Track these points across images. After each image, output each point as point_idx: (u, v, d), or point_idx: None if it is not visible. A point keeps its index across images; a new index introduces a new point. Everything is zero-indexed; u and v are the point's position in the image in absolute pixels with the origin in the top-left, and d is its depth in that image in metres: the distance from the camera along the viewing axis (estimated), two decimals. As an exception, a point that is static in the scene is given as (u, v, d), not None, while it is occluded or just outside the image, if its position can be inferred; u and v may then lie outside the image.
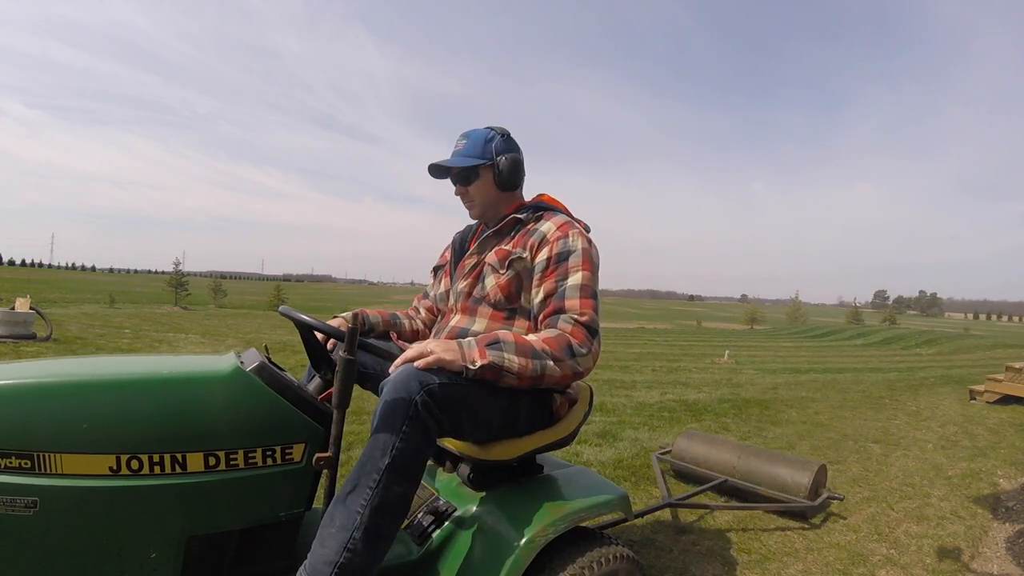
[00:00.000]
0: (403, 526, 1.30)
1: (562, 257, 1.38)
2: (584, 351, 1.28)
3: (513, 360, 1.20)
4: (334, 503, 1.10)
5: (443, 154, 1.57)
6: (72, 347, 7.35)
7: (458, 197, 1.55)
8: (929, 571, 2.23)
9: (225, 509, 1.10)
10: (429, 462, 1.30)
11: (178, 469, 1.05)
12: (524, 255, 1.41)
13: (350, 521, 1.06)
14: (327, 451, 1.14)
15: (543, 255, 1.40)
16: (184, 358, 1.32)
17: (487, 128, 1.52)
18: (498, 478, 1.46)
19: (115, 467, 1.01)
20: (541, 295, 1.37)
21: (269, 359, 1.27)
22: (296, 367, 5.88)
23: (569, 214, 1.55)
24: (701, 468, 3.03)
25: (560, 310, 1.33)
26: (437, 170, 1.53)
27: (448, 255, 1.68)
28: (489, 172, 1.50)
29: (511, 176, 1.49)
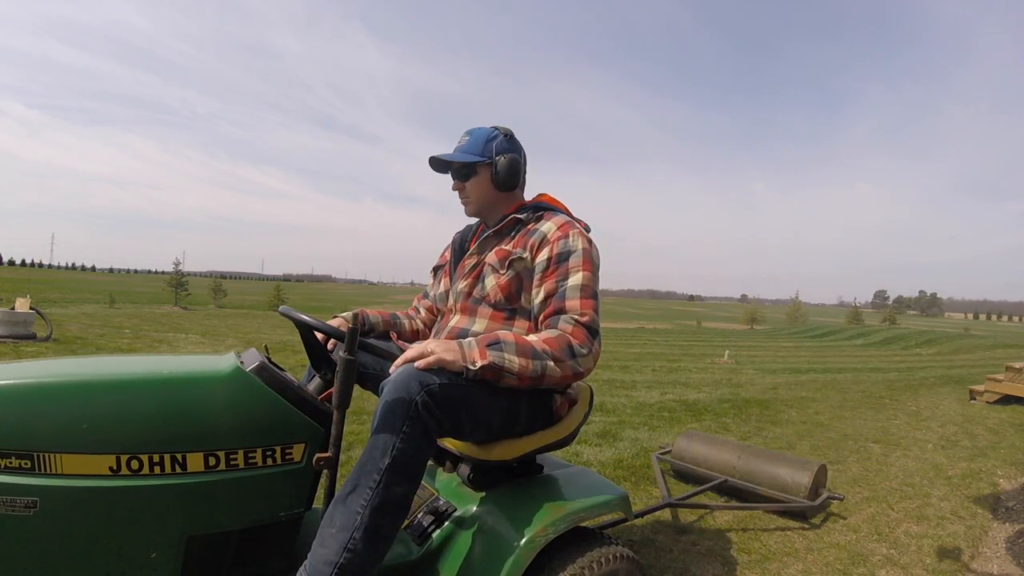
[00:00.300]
0: (403, 526, 1.30)
1: (562, 257, 1.38)
2: (585, 351, 1.28)
3: (513, 360, 1.20)
4: (334, 503, 1.10)
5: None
6: (72, 347, 7.35)
7: (456, 192, 1.56)
8: (929, 571, 2.23)
9: (225, 509, 1.10)
10: (429, 462, 1.30)
11: (178, 469, 1.05)
12: (524, 255, 1.41)
13: (350, 521, 1.06)
14: (327, 451, 1.14)
15: (543, 255, 1.39)
16: (184, 358, 1.32)
17: (492, 127, 1.53)
18: (498, 478, 1.46)
19: (115, 467, 1.01)
20: (541, 295, 1.37)
21: (269, 359, 1.27)
22: (296, 367, 5.88)
23: (569, 214, 1.55)
24: (701, 468, 3.03)
25: (561, 310, 1.33)
26: (437, 163, 1.54)
27: (448, 255, 1.68)
28: (487, 170, 1.50)
29: (508, 176, 1.49)
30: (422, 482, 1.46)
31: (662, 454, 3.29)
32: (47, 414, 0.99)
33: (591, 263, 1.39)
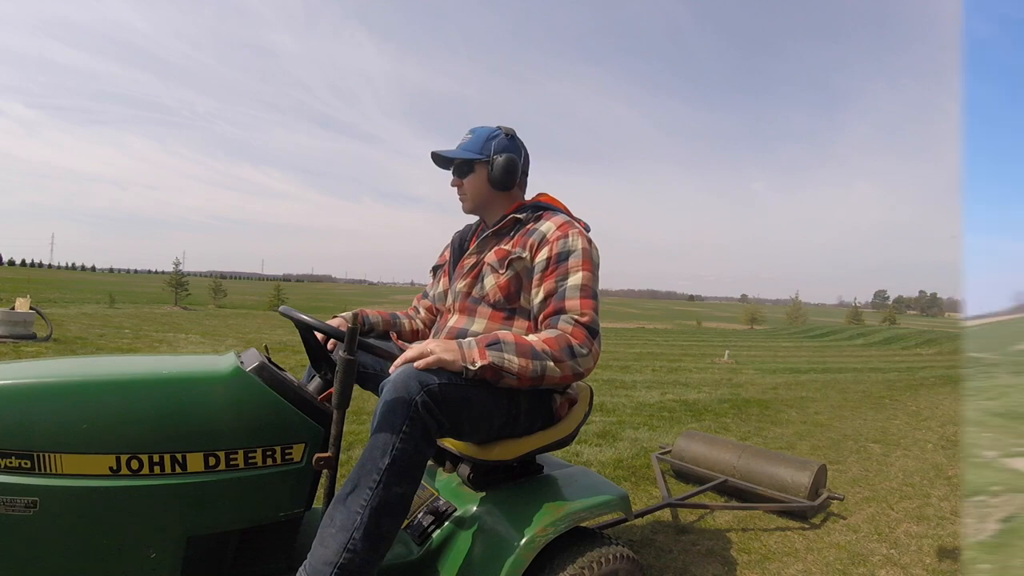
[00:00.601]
0: (403, 526, 1.30)
1: (562, 257, 1.38)
2: (584, 351, 1.28)
3: (513, 361, 1.20)
4: (334, 503, 1.10)
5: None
6: (72, 347, 7.35)
7: (454, 188, 1.57)
8: (929, 571, 2.23)
9: (225, 509, 1.10)
10: (429, 462, 1.30)
11: (178, 469, 1.05)
12: (524, 255, 1.41)
13: (350, 521, 1.06)
14: (327, 451, 1.14)
15: (543, 255, 1.39)
16: (184, 358, 1.32)
17: (496, 127, 1.54)
18: (498, 478, 1.46)
19: (115, 467, 1.01)
20: (541, 295, 1.37)
21: (269, 359, 1.28)
22: (296, 367, 5.88)
23: (569, 213, 1.55)
24: (701, 468, 3.03)
25: (560, 310, 1.33)
26: (440, 159, 1.56)
27: (448, 254, 1.68)
28: (484, 169, 1.51)
29: (503, 175, 1.50)
30: (422, 482, 1.46)
31: (662, 454, 3.29)
32: (47, 414, 1.00)
33: (591, 263, 1.39)
